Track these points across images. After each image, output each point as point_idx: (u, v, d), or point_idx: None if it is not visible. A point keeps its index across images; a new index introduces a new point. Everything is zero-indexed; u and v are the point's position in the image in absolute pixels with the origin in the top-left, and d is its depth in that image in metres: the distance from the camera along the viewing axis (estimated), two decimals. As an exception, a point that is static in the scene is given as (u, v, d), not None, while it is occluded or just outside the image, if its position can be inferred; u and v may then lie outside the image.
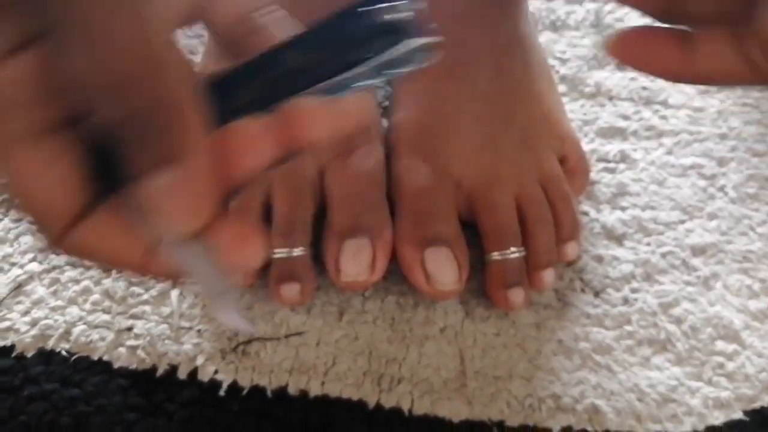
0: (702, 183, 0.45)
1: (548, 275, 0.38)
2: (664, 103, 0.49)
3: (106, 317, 0.37)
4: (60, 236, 0.20)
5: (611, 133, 0.48)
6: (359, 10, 0.18)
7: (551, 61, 0.50)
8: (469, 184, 0.38)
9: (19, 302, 0.37)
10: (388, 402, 0.35)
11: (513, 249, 0.38)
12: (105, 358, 0.36)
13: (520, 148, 0.40)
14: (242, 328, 0.26)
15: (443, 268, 0.36)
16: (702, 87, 0.50)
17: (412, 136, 0.39)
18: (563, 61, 0.51)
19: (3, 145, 0.18)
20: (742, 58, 0.22)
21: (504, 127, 0.40)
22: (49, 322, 0.36)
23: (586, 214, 0.43)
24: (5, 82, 0.17)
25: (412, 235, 0.37)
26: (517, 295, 0.37)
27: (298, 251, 0.37)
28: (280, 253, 0.37)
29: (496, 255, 0.38)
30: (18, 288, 0.37)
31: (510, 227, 0.38)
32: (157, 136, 0.16)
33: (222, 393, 0.35)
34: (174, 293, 0.38)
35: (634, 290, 0.41)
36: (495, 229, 0.38)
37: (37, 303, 0.37)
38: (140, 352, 0.36)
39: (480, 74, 0.41)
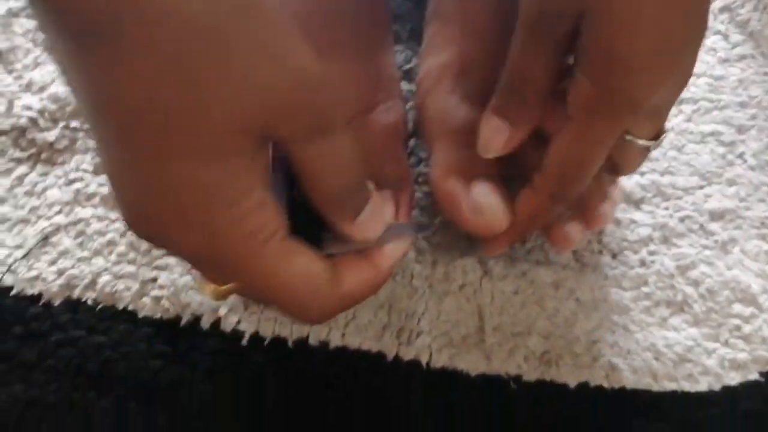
0: (721, 150, 0.45)
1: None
2: (685, 72, 0.49)
3: (131, 268, 0.37)
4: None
5: (631, 100, 0.48)
6: None
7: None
8: None
9: (45, 253, 0.38)
10: (407, 354, 0.36)
11: None
12: (130, 307, 0.36)
13: None
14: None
15: (493, 199, 0.34)
16: (722, 56, 0.50)
17: (453, 75, 0.39)
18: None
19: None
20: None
21: None
22: (75, 272, 0.37)
23: (604, 178, 0.43)
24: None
25: (457, 168, 0.36)
26: (574, 228, 0.36)
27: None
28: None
29: None
30: (45, 239, 0.38)
31: None
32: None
33: (244, 343, 0.36)
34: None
35: (651, 253, 0.41)
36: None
37: (63, 254, 0.38)
38: (164, 302, 0.36)
39: None
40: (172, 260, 0.38)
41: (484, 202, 0.34)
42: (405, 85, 0.43)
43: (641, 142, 0.33)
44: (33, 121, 0.41)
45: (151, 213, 0.24)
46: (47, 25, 0.22)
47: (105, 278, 0.37)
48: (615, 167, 0.35)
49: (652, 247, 0.41)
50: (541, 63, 0.31)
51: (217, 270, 0.27)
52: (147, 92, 0.21)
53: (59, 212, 0.39)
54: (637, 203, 0.43)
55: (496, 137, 0.33)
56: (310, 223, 0.28)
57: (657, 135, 0.33)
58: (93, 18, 0.20)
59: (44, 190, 0.40)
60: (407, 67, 0.45)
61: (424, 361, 0.36)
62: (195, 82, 0.21)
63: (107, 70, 0.21)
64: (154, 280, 0.37)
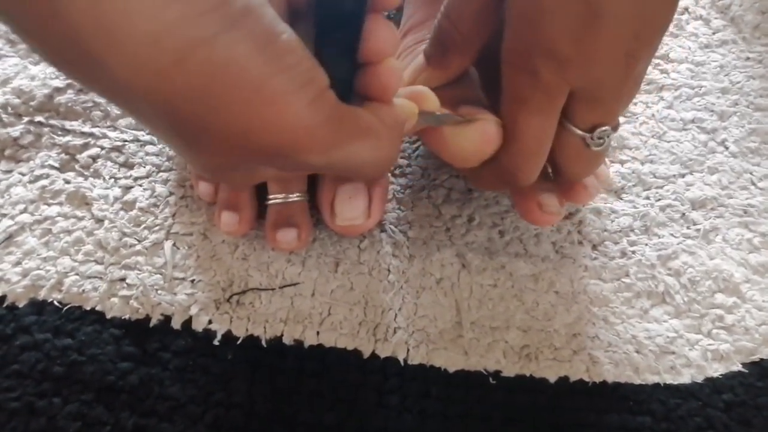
0: (703, 137, 0.45)
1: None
2: (665, 58, 0.48)
3: (98, 268, 0.36)
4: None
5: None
6: None
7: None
8: None
9: (9, 253, 0.36)
10: (383, 352, 0.35)
11: None
12: (98, 308, 0.35)
13: None
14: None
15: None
16: (704, 41, 0.49)
17: None
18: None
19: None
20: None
21: None
22: (41, 272, 0.36)
23: (585, 168, 0.43)
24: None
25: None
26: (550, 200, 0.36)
27: (294, 197, 0.36)
28: (276, 198, 0.36)
29: None
30: (9, 239, 0.37)
31: None
32: None
33: (216, 342, 0.35)
34: (167, 244, 0.37)
35: (632, 243, 0.40)
36: None
37: (28, 254, 0.36)
38: (133, 302, 0.35)
39: None
40: (141, 259, 0.37)
41: (475, 110, 0.33)
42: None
43: (576, 130, 0.31)
44: (-4, 117, 0.40)
45: None
46: None
47: (72, 278, 0.36)
48: (556, 165, 0.34)
49: (632, 237, 0.40)
50: (470, 2, 0.31)
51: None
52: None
53: (24, 210, 0.38)
54: (617, 192, 0.42)
55: (415, 71, 0.34)
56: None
57: (594, 127, 0.31)
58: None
59: (8, 187, 0.38)
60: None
61: (401, 357, 0.35)
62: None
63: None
64: (123, 279, 0.36)
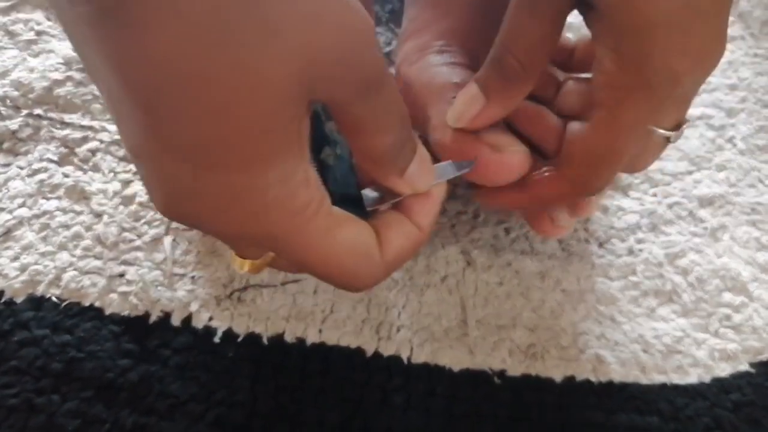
0: (711, 134, 0.44)
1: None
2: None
3: (97, 263, 0.36)
4: None
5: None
6: None
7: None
8: None
9: (7, 248, 0.36)
10: (387, 350, 0.35)
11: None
12: (96, 304, 0.35)
13: None
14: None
15: (511, 137, 0.33)
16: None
17: (437, 51, 0.37)
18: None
19: None
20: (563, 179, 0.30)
21: None
22: (39, 267, 0.35)
23: (591, 164, 0.42)
24: None
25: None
26: (561, 215, 0.35)
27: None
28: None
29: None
30: (7, 233, 0.36)
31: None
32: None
33: (217, 339, 0.34)
34: (167, 239, 0.37)
35: (639, 241, 0.40)
36: None
37: (26, 248, 0.36)
38: (133, 299, 0.35)
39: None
40: (140, 254, 0.36)
41: (502, 138, 0.31)
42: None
43: (663, 132, 0.29)
44: (-7, 109, 0.40)
45: (191, 200, 0.22)
46: None
47: (70, 274, 0.35)
48: (629, 162, 0.33)
49: (640, 235, 0.40)
50: (531, 31, 0.28)
51: (257, 247, 0.26)
52: (177, 61, 0.18)
53: (22, 205, 0.37)
54: (624, 189, 0.41)
55: (469, 107, 0.30)
56: (344, 184, 0.27)
57: (679, 124, 0.29)
58: None
59: (6, 181, 0.38)
60: (387, 49, 0.43)
61: (404, 356, 0.35)
62: (229, 48, 0.18)
63: (131, 38, 0.18)
64: (122, 275, 0.35)
